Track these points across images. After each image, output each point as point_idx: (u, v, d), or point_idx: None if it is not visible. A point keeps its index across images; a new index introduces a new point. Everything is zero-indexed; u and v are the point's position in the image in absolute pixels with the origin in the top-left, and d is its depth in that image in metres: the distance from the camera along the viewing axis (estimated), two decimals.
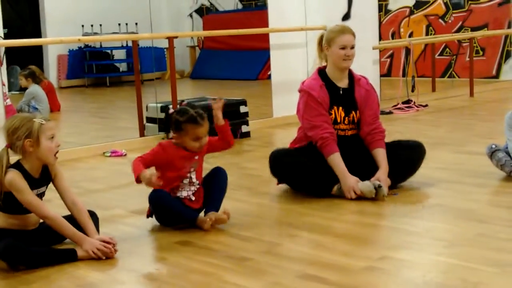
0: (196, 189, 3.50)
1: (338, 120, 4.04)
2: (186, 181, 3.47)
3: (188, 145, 3.43)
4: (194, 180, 3.49)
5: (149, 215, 3.54)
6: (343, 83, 4.11)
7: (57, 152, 3.10)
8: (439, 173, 4.40)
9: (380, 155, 3.98)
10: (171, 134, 3.51)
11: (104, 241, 3.05)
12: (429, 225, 3.35)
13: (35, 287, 2.74)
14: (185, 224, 3.43)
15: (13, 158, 3.08)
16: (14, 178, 2.99)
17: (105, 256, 3.02)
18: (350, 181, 3.85)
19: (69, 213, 3.19)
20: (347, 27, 4.15)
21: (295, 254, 3.00)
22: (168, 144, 3.48)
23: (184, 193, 3.48)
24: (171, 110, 3.48)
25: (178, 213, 3.40)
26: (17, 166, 3.05)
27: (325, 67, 4.14)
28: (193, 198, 3.49)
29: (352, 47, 4.05)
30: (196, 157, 3.49)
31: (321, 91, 4.01)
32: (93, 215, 3.23)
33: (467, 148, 5.24)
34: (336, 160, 3.91)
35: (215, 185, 3.55)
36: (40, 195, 3.13)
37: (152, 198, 3.42)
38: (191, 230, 3.39)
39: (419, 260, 2.85)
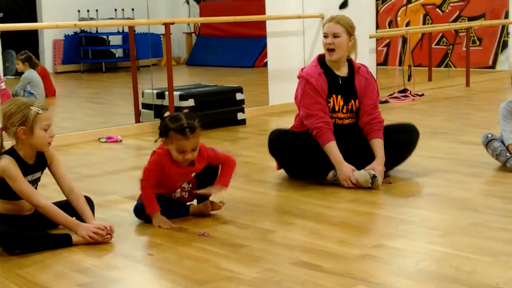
0: (189, 189, 3.45)
1: (336, 109, 4.02)
2: (177, 190, 3.43)
3: (172, 154, 3.24)
4: (186, 189, 3.44)
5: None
6: (342, 71, 4.08)
7: (50, 142, 3.07)
8: (434, 163, 4.41)
9: (378, 145, 3.98)
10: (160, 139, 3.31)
11: (100, 228, 3.03)
12: (424, 214, 3.36)
13: (30, 271, 2.74)
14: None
15: (8, 143, 3.07)
16: (7, 165, 2.97)
17: (100, 240, 3.01)
18: (346, 170, 3.85)
19: (65, 198, 3.19)
20: (336, 16, 4.08)
21: (290, 242, 3.00)
22: (165, 156, 3.28)
23: (177, 195, 3.44)
24: (166, 113, 3.30)
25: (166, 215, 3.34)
26: (11, 152, 3.02)
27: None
28: (186, 196, 3.46)
29: (335, 36, 3.96)
30: (193, 174, 3.39)
31: (319, 79, 3.99)
32: (88, 201, 3.22)
33: (462, 138, 5.25)
34: (332, 149, 3.91)
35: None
36: (35, 181, 3.12)
37: (136, 212, 3.37)
38: (186, 216, 3.39)
39: (413, 249, 2.86)
